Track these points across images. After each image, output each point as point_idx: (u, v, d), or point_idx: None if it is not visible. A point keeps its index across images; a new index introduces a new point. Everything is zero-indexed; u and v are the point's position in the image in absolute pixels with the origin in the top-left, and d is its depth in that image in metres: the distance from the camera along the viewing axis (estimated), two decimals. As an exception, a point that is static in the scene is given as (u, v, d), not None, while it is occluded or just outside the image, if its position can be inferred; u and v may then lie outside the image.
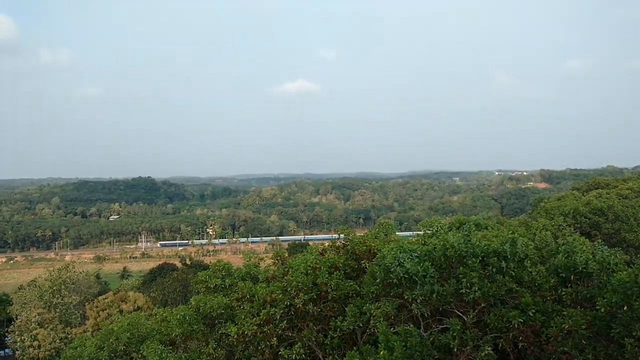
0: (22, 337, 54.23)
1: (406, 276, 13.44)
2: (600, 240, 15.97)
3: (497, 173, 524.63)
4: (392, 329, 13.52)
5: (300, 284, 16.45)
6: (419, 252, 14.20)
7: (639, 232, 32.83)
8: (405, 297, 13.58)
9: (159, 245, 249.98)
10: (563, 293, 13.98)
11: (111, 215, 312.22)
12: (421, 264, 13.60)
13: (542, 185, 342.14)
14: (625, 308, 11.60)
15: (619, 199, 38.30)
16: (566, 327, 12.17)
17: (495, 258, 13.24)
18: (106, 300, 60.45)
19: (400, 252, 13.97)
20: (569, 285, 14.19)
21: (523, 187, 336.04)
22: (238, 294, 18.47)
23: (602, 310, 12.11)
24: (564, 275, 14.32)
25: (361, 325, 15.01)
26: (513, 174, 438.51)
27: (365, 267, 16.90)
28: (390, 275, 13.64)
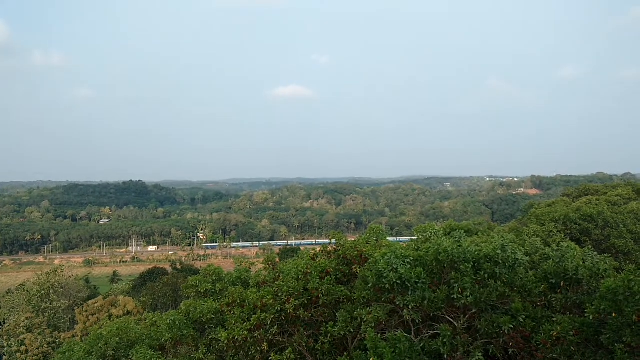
0: (10, 342, 53.63)
1: (399, 282, 13.45)
2: (590, 247, 16.07)
3: (488, 179, 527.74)
4: (383, 334, 13.52)
5: (291, 289, 16.42)
6: (411, 258, 14.24)
7: (628, 239, 33.01)
8: (397, 303, 13.59)
9: (203, 246, 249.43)
10: (553, 299, 14.05)
11: (101, 219, 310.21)
12: (414, 270, 13.63)
13: (533, 191, 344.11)
14: (614, 315, 11.66)
15: (609, 206, 38.51)
16: (554, 333, 12.22)
17: (488, 263, 13.31)
18: (96, 305, 59.93)
19: (394, 258, 13.99)
20: (559, 291, 14.26)
21: (514, 193, 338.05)
22: (228, 298, 18.41)
23: (591, 317, 12.17)
24: (554, 281, 14.40)
25: (352, 330, 14.99)
26: (504, 180, 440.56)
27: (357, 273, 16.89)
28: (383, 280, 13.65)
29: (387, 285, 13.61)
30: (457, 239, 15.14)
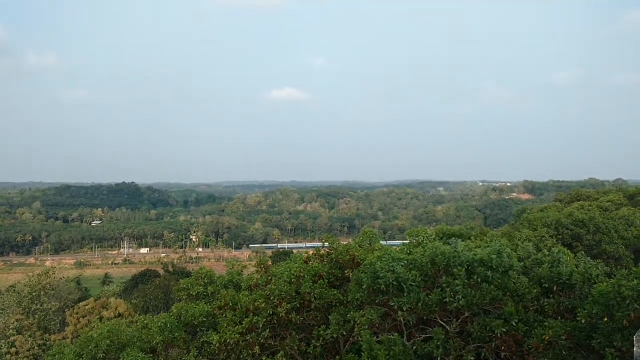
0: (-1, 343, 53.29)
1: (394, 283, 13.46)
2: (582, 252, 16.18)
3: (480, 183, 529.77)
4: (375, 337, 13.51)
5: (283, 293, 16.39)
6: (406, 261, 14.28)
7: (619, 244, 33.18)
8: (391, 305, 13.59)
9: (249, 247, 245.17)
10: (545, 303, 14.10)
11: (93, 221, 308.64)
12: (410, 272, 13.67)
13: (525, 196, 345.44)
14: (605, 319, 11.72)
15: (600, 211, 38.75)
16: (546, 338, 12.26)
17: (481, 267, 13.35)
18: (87, 307, 59.60)
19: (391, 261, 14.03)
20: (552, 295, 14.31)
21: (506, 197, 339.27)
22: (220, 301, 18.34)
23: (583, 321, 12.22)
24: (546, 286, 14.46)
25: (344, 333, 14.97)
26: (496, 185, 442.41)
27: (349, 276, 16.89)
28: (379, 280, 13.66)
29: (382, 287, 13.62)
30: (452, 244, 15.19)
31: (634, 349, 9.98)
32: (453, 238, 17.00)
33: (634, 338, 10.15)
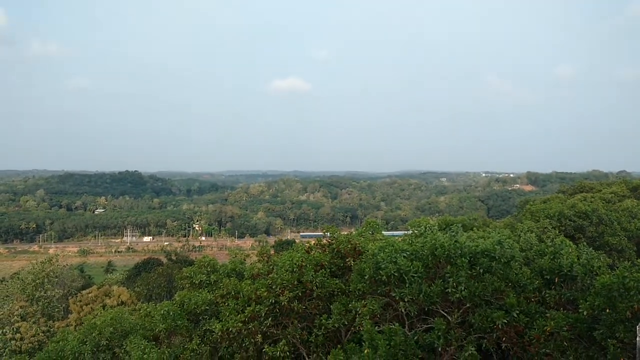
0: (4, 330, 53.67)
1: (396, 274, 13.48)
2: (585, 243, 16.14)
3: (484, 174, 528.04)
4: (377, 327, 13.54)
5: (285, 282, 16.43)
6: (408, 252, 14.27)
7: (622, 236, 33.14)
8: (393, 295, 13.62)
9: (300, 234, 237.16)
10: (547, 295, 14.10)
11: (97, 209, 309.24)
12: (412, 263, 13.67)
13: (528, 187, 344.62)
14: (607, 310, 11.71)
15: (603, 203, 38.68)
16: (548, 329, 12.26)
17: (484, 258, 13.35)
18: (90, 295, 59.95)
19: (394, 252, 14.03)
20: (553, 287, 14.31)
21: (509, 189, 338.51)
22: (223, 290, 18.42)
23: (585, 312, 12.21)
24: (548, 277, 14.46)
25: (346, 323, 15.01)
26: (500, 176, 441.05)
27: (351, 266, 16.91)
28: (380, 272, 13.68)
29: (384, 278, 13.64)
30: (453, 233, 15.17)
31: (637, 339, 9.99)
32: (453, 225, 16.97)
33: (637, 328, 10.16)
